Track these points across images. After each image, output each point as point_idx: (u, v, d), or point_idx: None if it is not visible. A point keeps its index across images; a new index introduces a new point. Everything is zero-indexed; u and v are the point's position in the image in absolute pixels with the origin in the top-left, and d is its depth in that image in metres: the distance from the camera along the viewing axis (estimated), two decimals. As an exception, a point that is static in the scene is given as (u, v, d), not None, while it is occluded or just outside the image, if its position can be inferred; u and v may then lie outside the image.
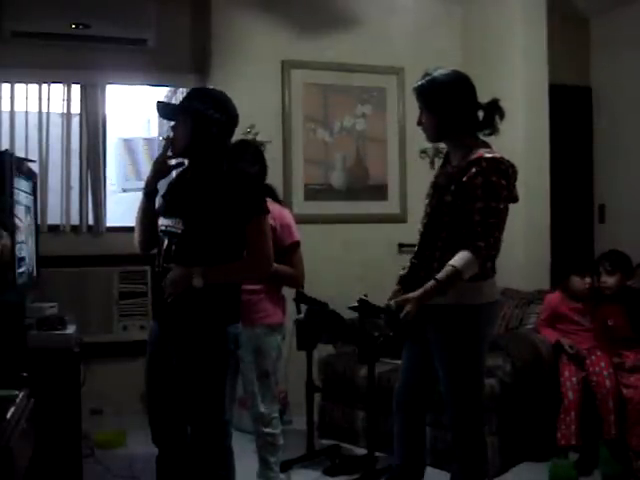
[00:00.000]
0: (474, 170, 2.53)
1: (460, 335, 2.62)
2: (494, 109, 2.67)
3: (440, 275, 2.51)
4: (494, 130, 2.68)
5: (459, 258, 2.49)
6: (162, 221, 2.62)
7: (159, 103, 2.68)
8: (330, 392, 4.28)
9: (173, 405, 2.59)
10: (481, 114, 2.68)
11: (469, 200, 2.53)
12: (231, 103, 2.64)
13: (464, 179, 2.54)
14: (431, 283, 2.52)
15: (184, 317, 2.50)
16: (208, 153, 2.58)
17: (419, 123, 2.73)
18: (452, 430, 2.74)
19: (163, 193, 2.73)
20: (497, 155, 2.59)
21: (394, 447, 2.90)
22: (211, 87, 2.88)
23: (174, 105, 2.74)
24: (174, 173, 2.81)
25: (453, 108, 2.63)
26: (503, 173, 2.56)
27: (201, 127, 2.55)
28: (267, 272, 2.63)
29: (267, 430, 3.16)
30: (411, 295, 2.53)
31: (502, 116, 2.67)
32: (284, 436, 3.31)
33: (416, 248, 2.76)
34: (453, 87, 2.64)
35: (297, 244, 3.22)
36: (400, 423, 2.88)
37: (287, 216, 3.26)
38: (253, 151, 3.30)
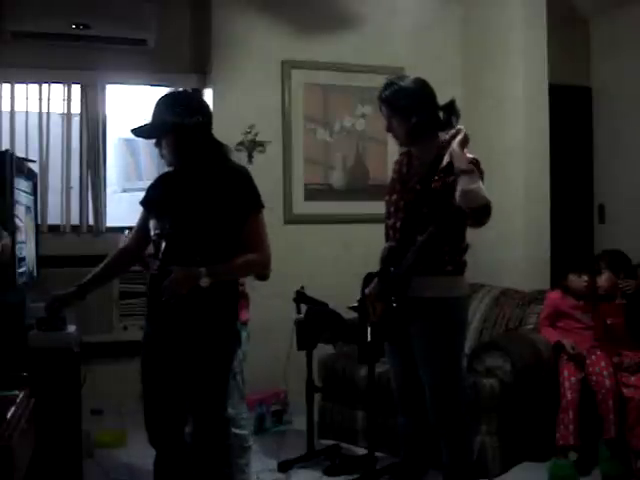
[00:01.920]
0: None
1: (446, 326, 2.73)
2: (451, 110, 2.80)
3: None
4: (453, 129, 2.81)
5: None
6: (157, 224, 2.59)
7: (134, 130, 2.61)
8: (330, 392, 4.27)
9: (170, 407, 2.59)
10: (441, 115, 2.82)
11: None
12: (200, 100, 2.65)
13: (451, 178, 2.64)
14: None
15: (192, 317, 2.49)
16: (201, 156, 2.58)
17: (388, 130, 2.86)
18: (438, 427, 2.78)
19: (144, 199, 2.72)
20: (472, 156, 2.72)
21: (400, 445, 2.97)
22: (175, 90, 2.83)
23: (149, 127, 2.60)
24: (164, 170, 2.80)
25: (423, 112, 2.77)
26: (482, 170, 2.71)
27: (185, 138, 2.54)
28: (269, 265, 2.65)
29: (236, 431, 3.11)
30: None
31: (457, 116, 2.79)
32: (284, 436, 3.31)
33: (393, 244, 2.80)
34: (420, 93, 2.81)
35: None
36: (402, 423, 2.98)
37: None
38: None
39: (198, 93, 4.84)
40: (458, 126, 2.67)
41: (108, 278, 2.90)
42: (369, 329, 2.94)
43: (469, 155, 2.68)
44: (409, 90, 2.80)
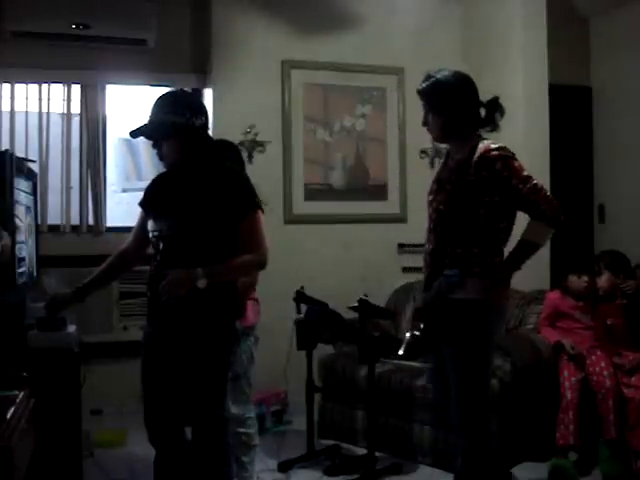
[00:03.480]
0: (488, 162, 2.60)
1: (472, 329, 2.64)
2: (495, 107, 2.74)
3: (516, 251, 2.61)
4: (495, 127, 2.75)
5: (529, 230, 2.60)
6: (155, 225, 2.59)
7: (134, 132, 2.57)
8: (330, 392, 4.27)
9: (170, 406, 2.59)
10: (482, 112, 2.75)
11: (503, 185, 2.60)
12: (200, 100, 2.63)
13: (483, 173, 2.60)
14: (510, 261, 2.62)
15: (190, 316, 2.49)
16: (200, 156, 2.57)
17: (424, 124, 2.78)
18: (459, 429, 2.72)
19: (142, 200, 2.71)
20: (500, 144, 2.67)
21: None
22: (173, 90, 2.78)
23: (154, 128, 2.55)
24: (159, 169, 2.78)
25: (458, 108, 2.70)
26: (513, 154, 2.66)
27: (190, 138, 2.53)
28: (266, 265, 2.65)
29: (241, 430, 3.14)
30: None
31: (502, 113, 2.74)
32: (284, 436, 3.31)
33: (430, 245, 2.73)
34: (457, 87, 2.72)
35: None
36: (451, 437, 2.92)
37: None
38: (232, 149, 3.29)
39: (195, 92, 4.85)
40: None
41: (108, 280, 2.89)
42: (406, 339, 2.80)
43: (493, 145, 2.63)
44: (446, 84, 2.70)
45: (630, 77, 5.12)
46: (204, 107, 2.62)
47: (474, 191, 2.60)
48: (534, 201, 2.58)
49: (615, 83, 5.29)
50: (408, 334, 2.75)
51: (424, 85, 2.74)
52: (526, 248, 2.62)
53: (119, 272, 2.88)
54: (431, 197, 2.78)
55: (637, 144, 5.06)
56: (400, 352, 2.77)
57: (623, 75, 5.19)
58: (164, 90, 2.73)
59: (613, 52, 5.29)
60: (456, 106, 2.69)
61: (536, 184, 2.59)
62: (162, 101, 2.58)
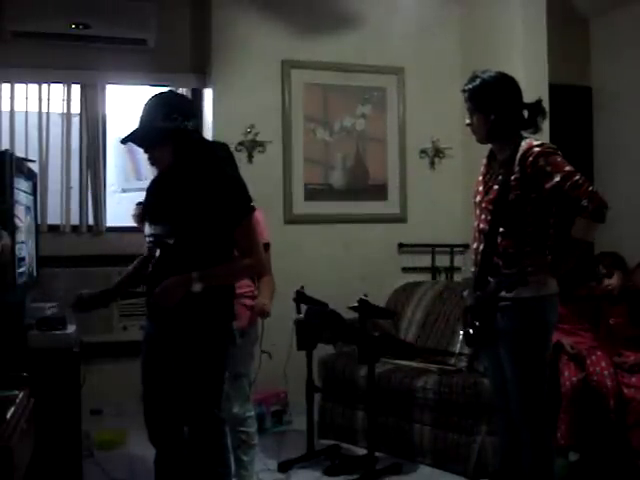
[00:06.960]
0: (531, 159, 2.60)
1: (530, 326, 2.65)
2: (538, 109, 2.75)
3: (565, 249, 2.60)
4: (537, 129, 2.76)
5: (576, 229, 2.57)
6: (151, 229, 2.57)
7: (123, 140, 2.55)
8: (330, 392, 4.27)
9: (169, 405, 2.59)
10: (525, 113, 2.75)
11: (545, 181, 2.58)
12: (191, 101, 2.59)
13: (527, 170, 2.60)
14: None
15: (186, 318, 2.49)
16: (194, 160, 2.55)
17: (468, 124, 2.78)
18: (523, 424, 2.71)
19: (143, 201, 2.71)
20: (542, 141, 2.69)
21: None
22: (163, 93, 2.72)
23: (147, 135, 2.52)
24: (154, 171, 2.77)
25: (504, 109, 2.70)
26: (555, 149, 2.66)
27: (183, 142, 2.50)
28: (262, 268, 2.63)
29: (241, 429, 3.16)
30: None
31: (544, 116, 2.75)
32: (284, 436, 3.31)
33: (481, 245, 2.72)
34: (503, 88, 2.73)
35: (266, 246, 3.09)
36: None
37: (256, 216, 3.20)
38: (224, 149, 3.27)
39: (195, 92, 4.85)
40: None
41: (135, 284, 2.86)
42: (461, 336, 2.82)
43: (535, 142, 2.63)
44: (493, 84, 2.71)
45: (630, 77, 5.11)
46: (195, 108, 2.59)
47: (520, 189, 2.61)
48: (576, 197, 2.54)
49: (615, 83, 5.29)
50: (462, 332, 2.77)
51: (470, 85, 2.74)
52: (573, 246, 2.60)
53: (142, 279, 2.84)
54: (478, 198, 2.78)
55: (637, 144, 5.06)
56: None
57: (623, 75, 5.19)
58: (164, 90, 2.70)
59: (613, 52, 5.28)
60: (502, 107, 2.70)
61: (577, 179, 2.56)
62: (151, 106, 2.53)
